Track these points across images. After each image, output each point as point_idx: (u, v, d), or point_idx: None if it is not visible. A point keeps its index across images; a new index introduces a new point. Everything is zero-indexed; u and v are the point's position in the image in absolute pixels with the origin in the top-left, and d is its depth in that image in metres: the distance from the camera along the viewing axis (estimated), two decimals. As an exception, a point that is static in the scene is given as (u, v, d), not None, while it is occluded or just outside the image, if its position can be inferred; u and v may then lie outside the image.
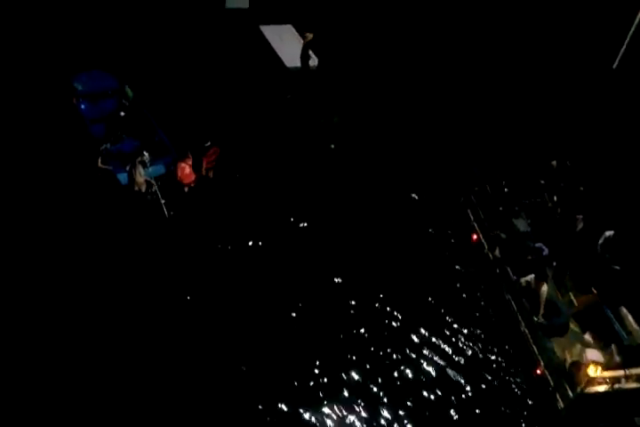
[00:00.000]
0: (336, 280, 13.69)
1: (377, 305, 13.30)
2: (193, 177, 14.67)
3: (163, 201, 14.20)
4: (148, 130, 15.42)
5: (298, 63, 18.91)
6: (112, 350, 11.65)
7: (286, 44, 19.80)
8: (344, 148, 17.09)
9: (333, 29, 20.22)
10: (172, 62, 18.38)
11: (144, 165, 14.19)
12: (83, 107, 15.75)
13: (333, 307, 13.14)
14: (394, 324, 13.00)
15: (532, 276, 12.81)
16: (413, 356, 12.49)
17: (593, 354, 11.79)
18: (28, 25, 18.74)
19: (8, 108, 15.97)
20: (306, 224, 14.86)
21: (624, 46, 18.76)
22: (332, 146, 17.14)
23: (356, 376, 12.00)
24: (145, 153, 14.29)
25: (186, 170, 14.49)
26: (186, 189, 14.75)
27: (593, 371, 11.02)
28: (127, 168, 14.19)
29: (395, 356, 12.43)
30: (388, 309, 13.26)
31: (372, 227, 14.98)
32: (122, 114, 15.65)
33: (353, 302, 13.27)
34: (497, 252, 13.76)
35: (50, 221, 13.67)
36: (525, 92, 18.72)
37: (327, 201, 15.45)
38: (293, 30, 20.44)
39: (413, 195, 15.97)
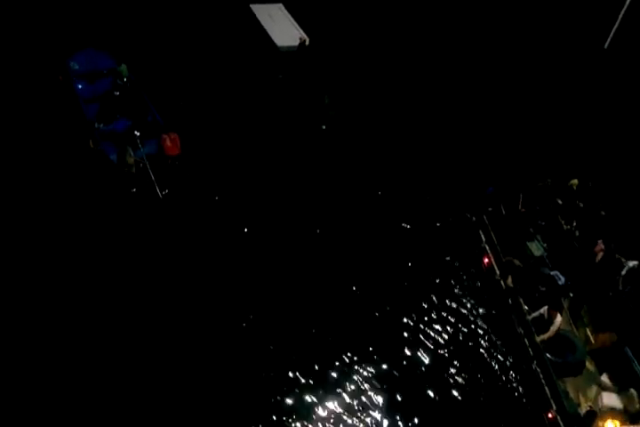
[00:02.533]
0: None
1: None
2: (177, 151, 14.42)
3: (153, 178, 13.94)
4: (142, 109, 15.32)
5: (288, 42, 18.71)
6: (99, 335, 11.42)
7: (277, 23, 19.58)
8: (336, 129, 16.80)
9: (325, 8, 20.12)
10: (165, 41, 18.32)
11: (134, 145, 14.08)
12: (79, 86, 15.64)
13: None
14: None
15: (546, 308, 11.86)
16: (417, 391, 11.64)
17: (610, 399, 10.85)
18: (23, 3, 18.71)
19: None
20: (297, 211, 14.49)
21: (616, 26, 18.02)
22: (324, 127, 16.86)
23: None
24: (136, 132, 14.29)
25: (167, 142, 14.28)
26: (171, 163, 14.46)
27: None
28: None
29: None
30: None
31: (367, 230, 14.40)
32: (116, 93, 15.51)
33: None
34: (509, 281, 12.78)
35: (43, 202, 13.46)
36: (526, 87, 18.03)
37: (320, 185, 15.15)
38: (284, 9, 20.25)
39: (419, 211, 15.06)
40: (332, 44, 19.25)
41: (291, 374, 11.44)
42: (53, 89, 15.89)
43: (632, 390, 10.90)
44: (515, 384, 11.81)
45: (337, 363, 11.76)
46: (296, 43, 18.53)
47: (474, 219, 14.39)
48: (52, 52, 16.80)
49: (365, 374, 11.66)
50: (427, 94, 18.17)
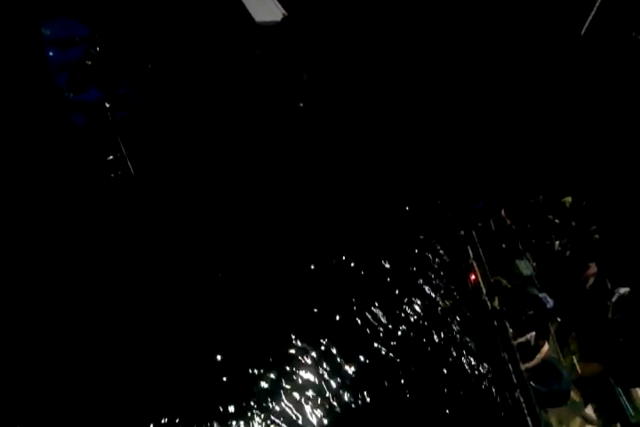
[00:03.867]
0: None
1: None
2: None
3: (126, 153, 13.54)
4: (114, 81, 14.71)
5: (267, 17, 17.74)
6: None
7: None
8: (313, 107, 16.16)
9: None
10: (140, 13, 17.26)
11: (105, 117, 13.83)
12: (50, 54, 14.96)
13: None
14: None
15: (533, 334, 11.43)
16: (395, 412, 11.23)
17: (594, 433, 10.49)
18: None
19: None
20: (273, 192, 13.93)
21: (593, 11, 16.83)
22: (301, 104, 16.33)
23: None
24: (107, 104, 13.95)
25: None
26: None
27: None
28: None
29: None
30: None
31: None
32: (88, 63, 14.89)
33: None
34: (496, 302, 12.32)
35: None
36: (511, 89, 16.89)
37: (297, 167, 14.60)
38: None
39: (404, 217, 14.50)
40: (313, 20, 18.28)
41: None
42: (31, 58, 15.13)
43: (618, 425, 10.54)
44: (496, 412, 11.39)
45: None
46: (275, 18, 17.63)
47: (462, 233, 13.89)
48: (25, 18, 15.84)
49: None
50: (416, 86, 17.31)
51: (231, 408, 10.79)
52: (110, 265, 12.01)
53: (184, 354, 11.13)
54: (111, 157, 13.68)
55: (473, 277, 13.24)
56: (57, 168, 13.21)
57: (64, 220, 12.48)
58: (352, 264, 13.23)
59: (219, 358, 11.25)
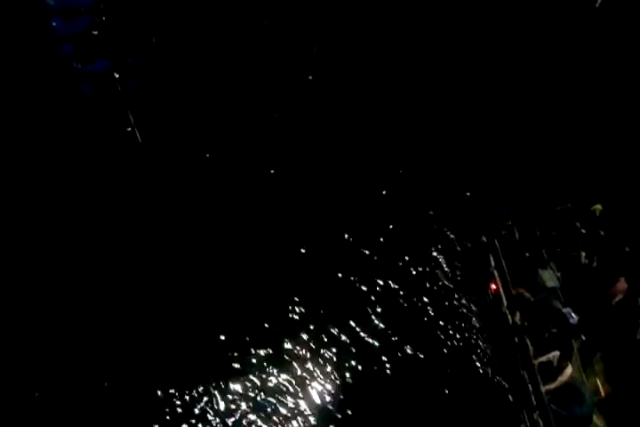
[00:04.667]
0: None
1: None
2: None
3: (132, 121, 13.81)
4: (122, 51, 14.72)
5: None
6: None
7: None
8: (323, 82, 15.63)
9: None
10: None
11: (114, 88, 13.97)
12: (54, 24, 14.74)
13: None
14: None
15: (557, 354, 10.85)
16: None
17: (616, 463, 9.97)
18: None
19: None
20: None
21: None
22: (310, 77, 15.78)
23: None
24: (116, 74, 14.08)
25: None
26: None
27: None
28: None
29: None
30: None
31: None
32: (95, 33, 14.79)
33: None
34: (517, 316, 11.73)
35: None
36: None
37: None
38: None
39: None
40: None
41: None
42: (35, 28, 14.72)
43: (643, 455, 10.02)
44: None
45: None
46: None
47: (484, 239, 13.24)
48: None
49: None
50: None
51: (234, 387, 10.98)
52: (111, 241, 12.35)
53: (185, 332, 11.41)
54: (119, 127, 13.83)
55: (493, 286, 12.64)
56: (66, 137, 13.33)
57: (70, 193, 12.80)
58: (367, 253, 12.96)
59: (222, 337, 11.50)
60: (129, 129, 13.83)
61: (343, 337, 11.88)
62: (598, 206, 12.89)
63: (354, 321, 12.13)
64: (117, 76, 14.13)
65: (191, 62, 15.09)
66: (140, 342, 11.37)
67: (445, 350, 12.14)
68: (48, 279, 11.86)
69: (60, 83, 13.99)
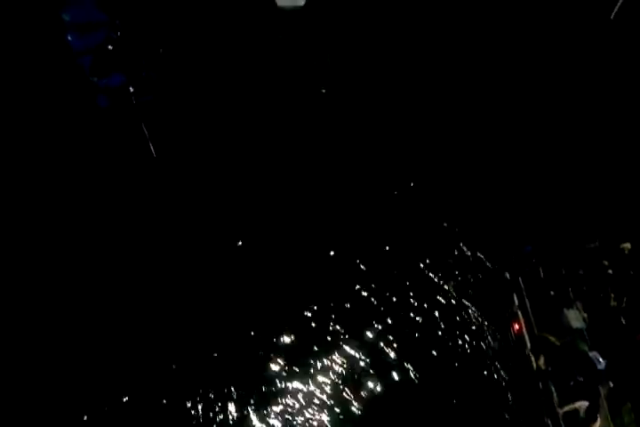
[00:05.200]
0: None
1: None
2: None
3: (147, 134, 14.00)
4: (137, 65, 14.96)
5: (289, 1, 16.74)
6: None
7: None
8: (337, 94, 15.55)
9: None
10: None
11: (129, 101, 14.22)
12: (70, 38, 15.03)
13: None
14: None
15: (585, 404, 10.36)
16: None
17: None
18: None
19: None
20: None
21: None
22: (324, 90, 15.71)
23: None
24: (131, 88, 14.33)
25: None
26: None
27: None
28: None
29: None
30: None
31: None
32: (110, 47, 15.03)
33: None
34: (542, 361, 11.26)
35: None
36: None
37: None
38: None
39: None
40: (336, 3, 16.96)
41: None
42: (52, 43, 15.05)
43: None
44: None
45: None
46: (297, 2, 16.56)
47: (507, 276, 12.81)
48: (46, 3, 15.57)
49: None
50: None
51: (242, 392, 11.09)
52: (117, 244, 12.54)
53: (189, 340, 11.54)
54: (134, 140, 13.96)
55: (517, 326, 12.21)
56: (82, 149, 13.57)
57: (84, 199, 13.04)
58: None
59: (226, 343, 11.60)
60: (144, 142, 13.98)
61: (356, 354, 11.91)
62: (627, 245, 12.43)
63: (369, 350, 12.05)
64: (132, 90, 14.35)
65: (206, 75, 15.23)
66: (147, 347, 11.49)
67: (464, 391, 11.77)
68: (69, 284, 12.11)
69: (77, 96, 14.25)
